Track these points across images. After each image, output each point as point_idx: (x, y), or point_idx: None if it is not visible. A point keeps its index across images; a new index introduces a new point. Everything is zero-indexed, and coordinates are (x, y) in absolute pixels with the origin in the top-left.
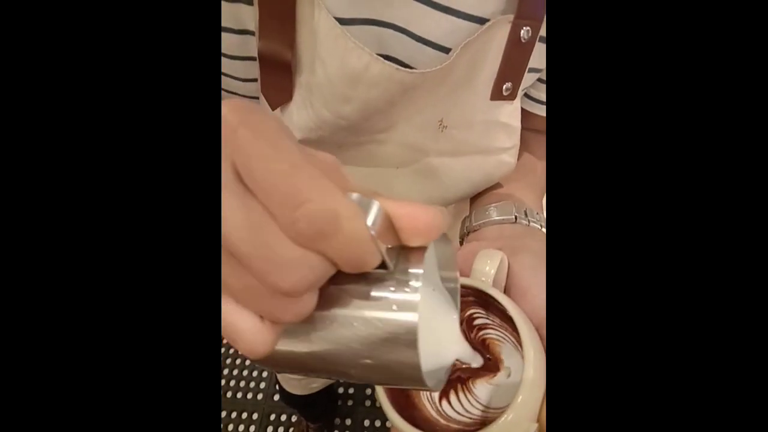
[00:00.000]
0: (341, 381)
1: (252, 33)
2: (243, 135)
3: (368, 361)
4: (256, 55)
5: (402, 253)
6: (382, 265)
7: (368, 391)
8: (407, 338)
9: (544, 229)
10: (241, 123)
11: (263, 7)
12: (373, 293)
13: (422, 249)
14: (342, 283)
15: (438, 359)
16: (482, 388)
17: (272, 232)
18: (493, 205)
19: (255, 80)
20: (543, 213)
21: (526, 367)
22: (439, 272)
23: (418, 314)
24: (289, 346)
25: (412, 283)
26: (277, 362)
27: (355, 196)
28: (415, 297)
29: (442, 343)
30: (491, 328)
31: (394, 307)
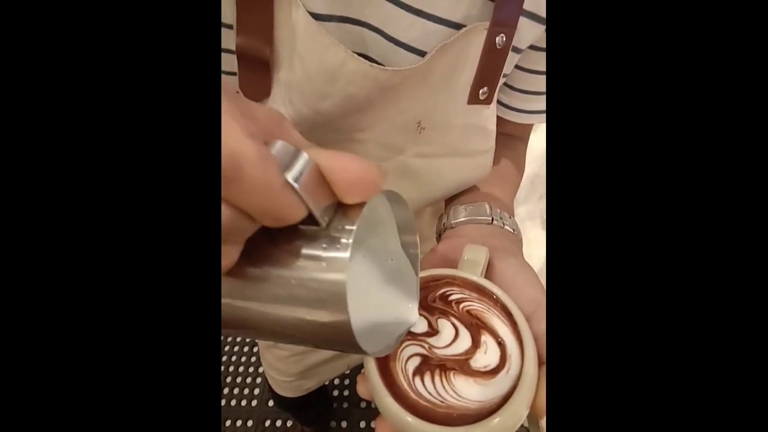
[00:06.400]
0: (331, 382)
1: (229, 26)
2: None
3: (301, 321)
4: (233, 48)
5: (340, 211)
6: (317, 222)
7: None
8: (335, 297)
9: (516, 233)
10: None
11: (240, 2)
12: (304, 250)
13: (361, 206)
14: (275, 240)
15: (380, 324)
16: (483, 381)
17: None
18: (470, 205)
19: (233, 74)
20: (515, 217)
21: (528, 362)
22: (400, 237)
23: (347, 274)
24: (225, 304)
25: (344, 240)
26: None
27: (278, 144)
28: (345, 254)
29: (387, 307)
30: (490, 320)
31: (324, 265)
